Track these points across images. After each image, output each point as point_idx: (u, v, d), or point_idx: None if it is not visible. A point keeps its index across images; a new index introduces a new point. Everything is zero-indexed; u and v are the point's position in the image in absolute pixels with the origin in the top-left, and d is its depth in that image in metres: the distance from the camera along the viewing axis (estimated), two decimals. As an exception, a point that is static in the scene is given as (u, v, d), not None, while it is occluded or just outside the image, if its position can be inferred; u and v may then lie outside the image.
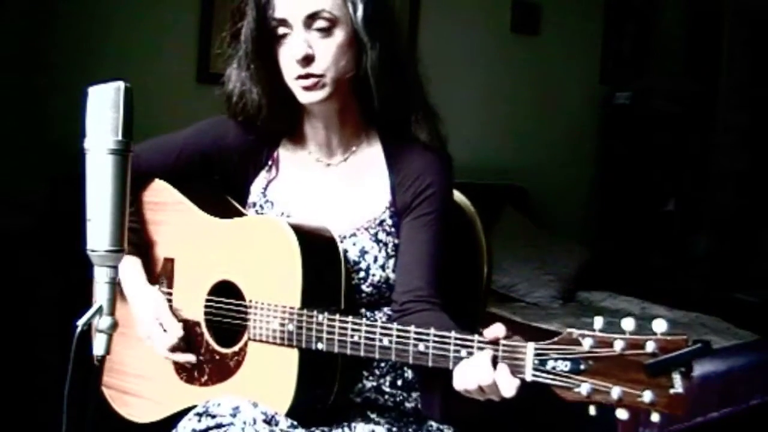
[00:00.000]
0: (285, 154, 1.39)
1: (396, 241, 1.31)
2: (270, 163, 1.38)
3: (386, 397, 1.31)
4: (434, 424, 1.31)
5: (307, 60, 1.22)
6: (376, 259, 1.29)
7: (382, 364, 1.31)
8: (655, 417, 0.92)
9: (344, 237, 1.29)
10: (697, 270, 4.19)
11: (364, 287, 1.29)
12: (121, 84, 0.92)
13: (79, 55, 2.61)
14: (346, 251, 1.27)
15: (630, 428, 2.31)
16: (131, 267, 1.34)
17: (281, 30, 1.24)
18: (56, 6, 2.61)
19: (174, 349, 1.29)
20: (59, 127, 2.12)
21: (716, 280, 4.10)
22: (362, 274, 1.28)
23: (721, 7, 4.59)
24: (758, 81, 4.59)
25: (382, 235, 1.30)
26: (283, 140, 1.39)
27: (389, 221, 1.31)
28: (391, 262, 1.30)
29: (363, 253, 1.28)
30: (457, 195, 1.49)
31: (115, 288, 0.93)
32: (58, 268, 2.21)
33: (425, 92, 1.34)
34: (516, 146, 3.92)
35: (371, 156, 1.36)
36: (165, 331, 1.29)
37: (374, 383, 1.30)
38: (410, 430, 1.27)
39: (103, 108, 0.91)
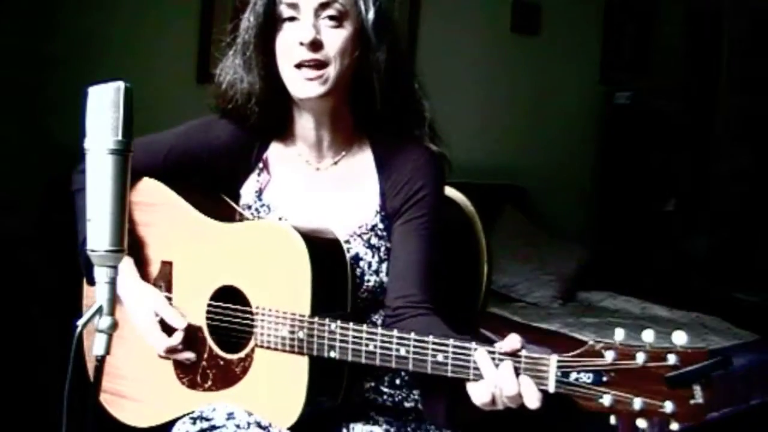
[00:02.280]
0: (275, 156, 1.35)
1: (388, 245, 1.28)
2: (261, 165, 1.35)
3: (385, 397, 1.30)
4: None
5: (315, 45, 1.19)
6: (370, 265, 1.27)
7: None
8: (674, 426, 0.94)
9: None
10: (697, 270, 4.19)
11: (358, 293, 1.26)
12: (121, 84, 0.92)
13: (79, 55, 2.61)
14: None
15: (630, 428, 2.31)
16: (123, 264, 1.28)
17: (288, 13, 1.21)
18: (56, 6, 2.61)
19: (173, 350, 1.24)
20: (59, 127, 2.11)
21: (716, 280, 4.10)
22: (357, 280, 1.26)
23: (721, 7, 4.59)
24: (758, 80, 4.58)
25: (374, 240, 1.28)
26: (273, 142, 1.36)
27: (380, 225, 1.29)
28: (384, 266, 1.27)
29: (357, 259, 1.26)
30: (457, 195, 1.48)
31: (115, 288, 0.93)
32: (57, 269, 2.20)
33: (425, 102, 1.32)
34: (516, 146, 3.92)
35: (361, 161, 1.33)
36: (165, 328, 1.24)
37: (372, 383, 1.29)
38: (409, 429, 1.27)
39: (103, 108, 0.91)
